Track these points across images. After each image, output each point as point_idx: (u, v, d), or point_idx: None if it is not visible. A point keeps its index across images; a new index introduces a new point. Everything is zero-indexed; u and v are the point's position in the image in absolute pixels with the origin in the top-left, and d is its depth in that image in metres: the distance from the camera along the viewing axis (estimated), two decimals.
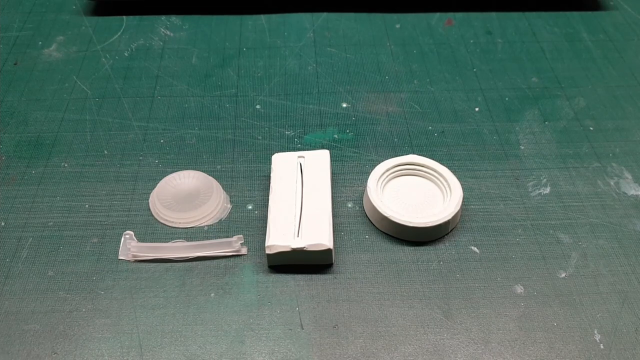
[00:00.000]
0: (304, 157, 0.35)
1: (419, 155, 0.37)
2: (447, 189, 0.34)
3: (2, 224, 0.34)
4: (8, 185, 0.36)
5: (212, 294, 0.31)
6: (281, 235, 0.31)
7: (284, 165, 0.35)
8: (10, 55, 0.46)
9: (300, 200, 0.33)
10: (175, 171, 0.36)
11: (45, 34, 0.48)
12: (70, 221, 0.34)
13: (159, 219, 0.34)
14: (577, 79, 0.44)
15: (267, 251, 0.31)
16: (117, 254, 0.32)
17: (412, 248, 0.33)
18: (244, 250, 0.33)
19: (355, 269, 0.32)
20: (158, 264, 0.32)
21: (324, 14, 0.50)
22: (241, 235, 0.33)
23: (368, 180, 0.34)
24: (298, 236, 0.31)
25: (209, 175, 0.36)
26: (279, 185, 0.34)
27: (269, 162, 0.37)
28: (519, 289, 0.31)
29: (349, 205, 0.35)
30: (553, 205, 0.35)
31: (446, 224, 0.33)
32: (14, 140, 0.39)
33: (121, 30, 0.48)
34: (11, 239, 0.33)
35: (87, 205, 0.35)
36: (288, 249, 0.30)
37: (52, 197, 0.35)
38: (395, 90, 0.43)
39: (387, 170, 0.35)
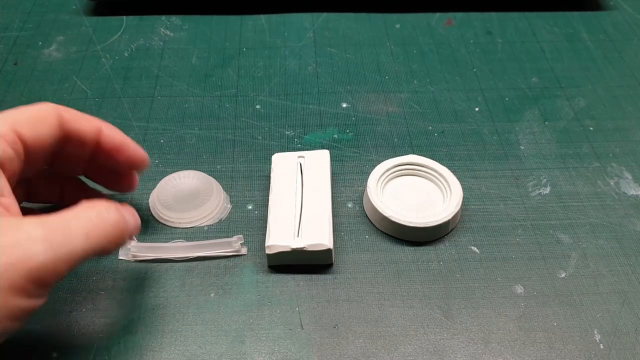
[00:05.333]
0: (304, 157, 0.35)
1: (419, 155, 0.37)
2: (447, 189, 0.34)
3: None
4: None
5: (212, 294, 0.31)
6: (281, 235, 0.31)
7: (284, 165, 0.35)
8: (10, 55, 0.46)
9: (300, 200, 0.33)
10: (175, 171, 0.36)
11: (45, 34, 0.48)
12: None
13: (159, 219, 0.34)
14: (577, 79, 0.44)
15: (267, 251, 0.31)
16: (117, 254, 0.32)
17: (412, 248, 0.33)
18: (244, 250, 0.33)
19: (355, 269, 0.32)
20: (158, 264, 0.32)
21: (324, 14, 0.50)
22: (241, 235, 0.33)
23: (368, 180, 0.34)
24: (298, 236, 0.31)
25: (209, 175, 0.36)
26: (279, 185, 0.34)
27: (269, 162, 0.36)
28: (519, 289, 0.31)
29: (349, 205, 0.35)
30: (553, 205, 0.35)
31: (446, 224, 0.33)
32: None
33: (121, 30, 0.48)
34: None
35: None
36: (288, 249, 0.30)
37: None
38: (395, 90, 0.43)
39: (387, 170, 0.35)
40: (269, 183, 0.35)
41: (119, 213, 0.25)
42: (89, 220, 0.24)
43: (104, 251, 0.24)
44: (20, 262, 0.21)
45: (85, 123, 0.28)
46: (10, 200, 0.24)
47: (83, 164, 0.30)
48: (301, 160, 0.35)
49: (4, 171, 0.24)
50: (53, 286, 0.23)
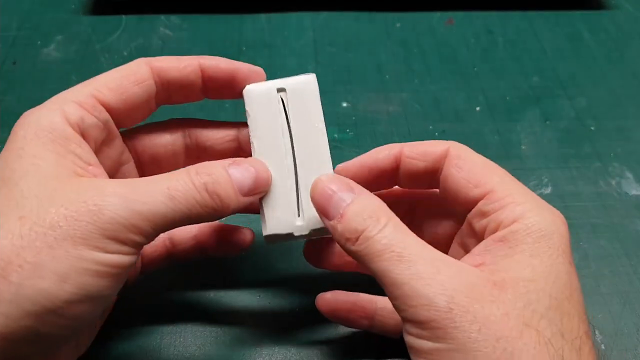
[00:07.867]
0: (285, 90, 0.27)
1: None
2: None
3: None
4: None
5: (212, 294, 0.31)
6: (279, 217, 0.25)
7: (263, 109, 0.27)
8: (9, 54, 0.45)
9: (292, 159, 0.26)
10: None
11: (44, 34, 0.47)
12: None
13: None
14: (579, 79, 0.44)
15: (267, 240, 0.25)
16: None
17: None
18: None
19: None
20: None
21: (324, 14, 0.50)
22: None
23: None
24: (299, 215, 0.25)
25: None
26: (261, 144, 0.26)
27: None
28: None
29: None
30: (554, 205, 0.35)
31: None
32: None
33: (120, 30, 0.48)
34: None
35: None
36: (291, 236, 0.25)
37: None
38: (396, 89, 0.43)
39: None
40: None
41: (222, 174, 0.23)
42: (176, 182, 0.22)
43: (199, 218, 0.22)
44: (89, 214, 0.20)
45: (181, 67, 0.26)
46: (98, 170, 0.23)
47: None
48: (282, 95, 0.27)
49: (87, 139, 0.23)
50: (140, 245, 0.21)
